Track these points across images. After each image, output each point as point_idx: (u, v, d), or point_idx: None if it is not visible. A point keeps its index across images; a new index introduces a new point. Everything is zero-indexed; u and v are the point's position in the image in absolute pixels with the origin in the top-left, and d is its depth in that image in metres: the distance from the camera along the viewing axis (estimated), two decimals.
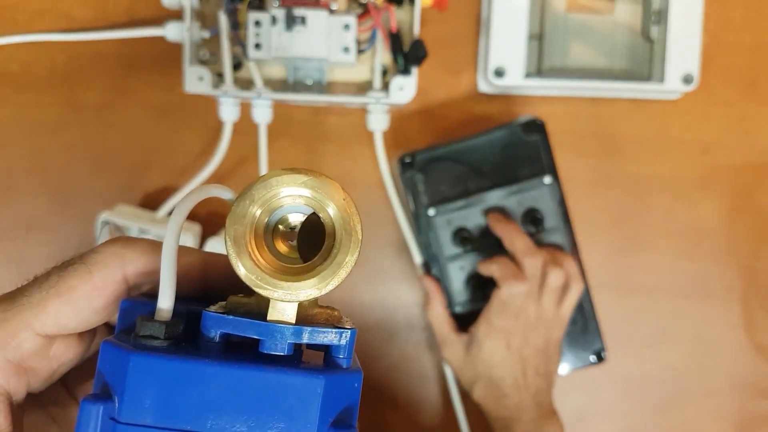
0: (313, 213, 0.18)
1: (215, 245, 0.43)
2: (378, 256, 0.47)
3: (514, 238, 0.39)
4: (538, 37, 0.44)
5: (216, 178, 0.44)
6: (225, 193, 0.19)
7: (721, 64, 0.48)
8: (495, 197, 0.42)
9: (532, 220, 0.42)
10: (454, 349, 0.41)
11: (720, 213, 0.48)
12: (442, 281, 0.43)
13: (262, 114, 0.42)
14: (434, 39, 0.44)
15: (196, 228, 0.45)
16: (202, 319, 0.18)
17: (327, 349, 0.18)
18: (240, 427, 0.16)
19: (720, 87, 0.48)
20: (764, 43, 0.48)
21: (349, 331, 0.18)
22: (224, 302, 0.18)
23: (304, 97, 0.42)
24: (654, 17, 0.45)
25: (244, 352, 0.18)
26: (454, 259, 0.42)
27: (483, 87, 0.46)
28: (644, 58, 0.45)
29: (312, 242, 0.18)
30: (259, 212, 0.17)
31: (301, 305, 0.17)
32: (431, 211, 0.42)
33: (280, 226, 0.18)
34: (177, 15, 0.41)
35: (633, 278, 0.48)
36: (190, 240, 0.43)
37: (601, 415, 0.49)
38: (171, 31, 0.41)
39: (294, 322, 0.17)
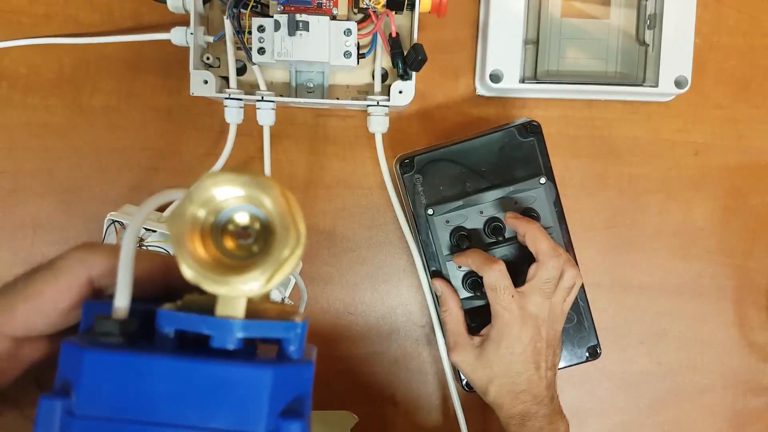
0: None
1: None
2: (378, 255, 0.48)
3: (538, 240, 0.39)
4: (534, 42, 0.45)
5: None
6: (180, 195, 0.19)
7: (714, 67, 0.48)
8: (492, 197, 0.43)
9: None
10: (467, 352, 0.41)
11: (713, 213, 0.49)
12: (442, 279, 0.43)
13: (266, 116, 0.42)
14: (433, 44, 0.45)
15: None
16: (156, 317, 0.18)
17: (279, 342, 0.18)
18: (191, 419, 0.17)
19: (713, 89, 0.49)
20: (756, 46, 0.49)
21: (299, 324, 0.18)
22: (180, 300, 0.19)
23: (307, 100, 0.43)
24: (648, 22, 0.45)
25: (198, 347, 0.18)
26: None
27: (480, 90, 0.47)
28: (638, 62, 0.46)
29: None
30: (202, 212, 0.18)
31: (250, 301, 0.18)
32: (430, 211, 0.43)
33: (230, 226, 0.19)
34: (182, 20, 0.42)
35: (627, 277, 0.49)
36: None
37: (595, 411, 0.50)
38: (176, 36, 0.42)
39: (242, 316, 0.17)
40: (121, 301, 0.18)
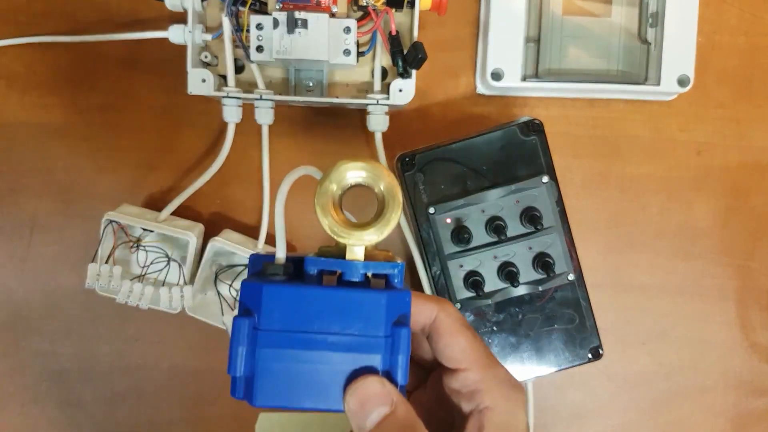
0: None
1: (217, 245, 0.44)
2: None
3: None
4: (535, 40, 0.45)
5: (220, 178, 0.45)
6: (316, 173, 0.27)
7: (716, 66, 0.48)
8: (494, 196, 0.42)
9: (530, 218, 0.42)
10: None
11: (714, 213, 0.49)
12: (443, 279, 0.43)
13: (265, 115, 0.42)
14: (433, 42, 0.45)
15: (199, 228, 0.45)
16: (305, 262, 0.25)
17: (386, 277, 0.26)
18: (336, 327, 0.24)
19: (715, 88, 0.48)
20: (759, 45, 0.48)
21: (400, 264, 0.26)
22: (318, 250, 0.26)
23: (306, 99, 0.43)
24: (650, 20, 0.45)
25: (334, 280, 0.26)
26: (454, 257, 0.43)
27: (481, 89, 0.47)
28: (640, 61, 0.46)
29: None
30: (335, 188, 0.25)
31: (366, 249, 0.25)
32: (431, 210, 0.43)
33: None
34: (180, 18, 0.41)
35: (629, 277, 0.49)
36: (193, 240, 0.43)
37: (597, 411, 0.49)
38: (174, 34, 0.41)
39: (363, 259, 0.25)
40: (281, 253, 0.26)
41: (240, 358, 0.24)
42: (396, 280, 0.26)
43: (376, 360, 0.24)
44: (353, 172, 0.25)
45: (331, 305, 0.24)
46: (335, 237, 0.25)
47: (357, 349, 0.24)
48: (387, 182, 0.25)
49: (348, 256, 0.25)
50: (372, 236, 0.25)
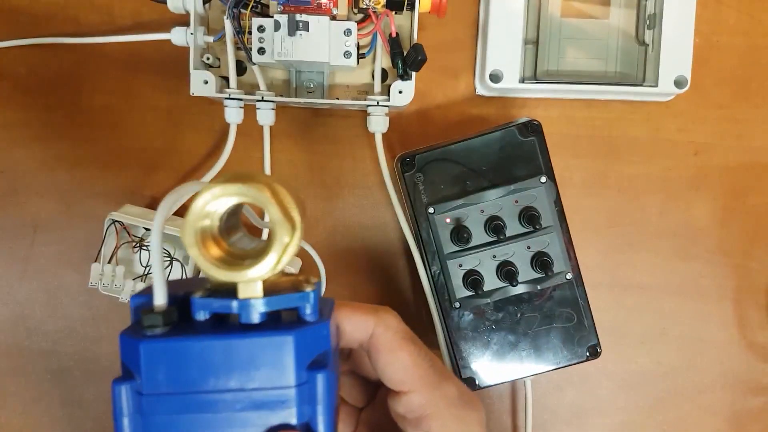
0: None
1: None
2: (378, 255, 0.48)
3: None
4: (533, 42, 0.45)
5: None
6: (193, 189, 0.22)
7: (714, 67, 0.48)
8: (493, 196, 0.43)
9: (529, 218, 0.42)
10: None
11: (713, 213, 0.49)
12: (442, 278, 0.43)
13: (266, 116, 0.42)
14: (433, 44, 0.45)
15: None
16: (191, 305, 0.21)
17: (296, 309, 0.22)
18: (234, 383, 0.20)
19: (713, 89, 0.49)
20: (757, 45, 0.49)
21: (310, 293, 0.21)
22: (209, 286, 0.22)
23: (307, 100, 0.43)
24: (648, 22, 0.46)
25: (230, 322, 0.21)
26: (453, 256, 0.43)
27: (480, 90, 0.47)
28: (638, 62, 0.46)
29: None
30: (207, 222, 0.21)
31: (266, 280, 0.21)
32: (431, 210, 0.43)
33: (240, 233, 0.22)
34: (182, 20, 0.42)
35: (627, 276, 0.49)
36: None
37: (596, 410, 0.50)
38: (176, 36, 0.42)
39: (261, 295, 0.21)
40: (159, 300, 0.21)
41: (125, 430, 0.20)
42: (308, 312, 0.21)
43: (289, 414, 0.20)
44: (221, 201, 0.20)
45: (225, 357, 0.20)
46: (226, 280, 0.20)
47: (265, 405, 0.20)
48: (271, 204, 0.20)
49: (241, 294, 0.21)
50: (264, 270, 0.20)
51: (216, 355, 0.20)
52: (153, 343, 0.20)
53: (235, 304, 0.21)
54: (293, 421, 0.20)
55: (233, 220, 0.22)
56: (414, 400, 0.23)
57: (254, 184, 0.20)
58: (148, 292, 0.22)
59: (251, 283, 0.21)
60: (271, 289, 0.21)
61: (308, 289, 0.21)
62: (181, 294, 0.22)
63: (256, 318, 0.21)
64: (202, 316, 0.21)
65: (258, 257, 0.20)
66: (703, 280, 0.49)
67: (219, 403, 0.20)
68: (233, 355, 0.20)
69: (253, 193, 0.20)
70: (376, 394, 0.27)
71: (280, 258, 0.20)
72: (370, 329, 0.24)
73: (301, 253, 0.46)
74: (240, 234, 0.23)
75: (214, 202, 0.20)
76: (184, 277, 0.44)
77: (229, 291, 0.21)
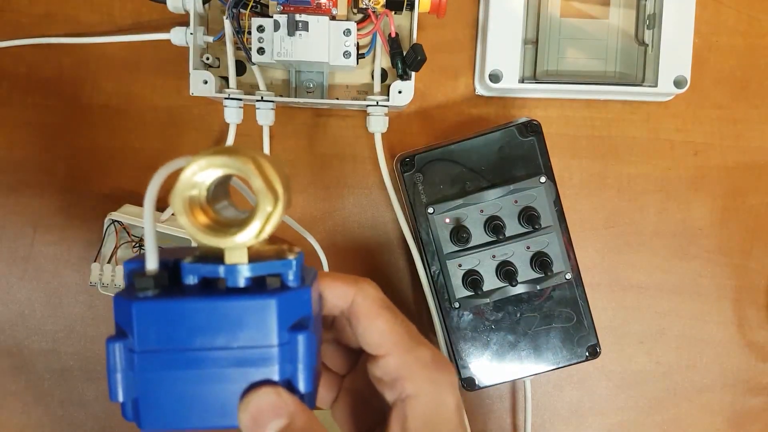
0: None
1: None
2: (378, 255, 0.48)
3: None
4: (533, 42, 0.45)
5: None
6: (182, 163, 0.23)
7: (713, 67, 0.49)
8: (492, 196, 0.43)
9: (528, 218, 0.42)
10: None
11: (712, 213, 0.49)
12: (442, 278, 0.44)
13: (266, 116, 0.43)
14: (433, 44, 0.45)
15: None
16: (181, 269, 0.23)
17: (280, 275, 0.23)
18: (220, 342, 0.22)
19: (712, 89, 0.49)
20: (756, 46, 0.49)
21: (292, 261, 0.23)
22: (198, 253, 0.23)
23: (306, 100, 0.43)
24: (647, 22, 0.46)
25: (217, 287, 0.23)
26: (453, 256, 0.43)
27: (480, 90, 0.47)
28: (637, 62, 0.46)
29: None
30: (195, 191, 0.22)
31: (251, 248, 0.22)
32: (430, 210, 0.43)
33: (225, 201, 0.23)
34: (182, 20, 0.42)
35: (626, 276, 0.49)
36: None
37: (595, 409, 0.50)
38: (176, 36, 0.42)
39: (246, 261, 0.22)
40: (151, 264, 0.22)
41: (118, 385, 0.22)
42: (290, 278, 0.23)
43: (272, 371, 0.22)
44: (208, 172, 0.22)
45: (212, 318, 0.22)
46: (212, 245, 0.22)
47: (249, 362, 0.22)
48: (255, 176, 0.21)
49: (228, 260, 0.22)
50: (249, 237, 0.21)
51: (204, 315, 0.21)
52: (145, 304, 0.22)
53: (222, 269, 0.22)
54: (275, 377, 0.22)
55: (220, 192, 0.23)
56: (390, 363, 0.25)
57: (239, 156, 0.21)
58: (140, 258, 0.23)
59: (237, 250, 0.22)
60: (256, 256, 0.22)
61: (291, 257, 0.23)
62: (171, 260, 0.23)
63: (241, 282, 0.22)
64: (191, 280, 0.23)
65: (243, 225, 0.22)
66: (702, 280, 0.49)
67: (206, 360, 0.22)
68: (220, 315, 0.22)
69: (238, 165, 0.21)
70: (357, 361, 0.29)
71: (263, 226, 0.21)
72: (350, 298, 0.25)
73: (305, 247, 0.46)
74: (226, 203, 0.24)
75: (201, 173, 0.21)
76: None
77: (217, 257, 0.22)
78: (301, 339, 0.22)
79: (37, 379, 0.48)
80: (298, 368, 0.22)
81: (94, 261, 0.44)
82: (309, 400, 0.23)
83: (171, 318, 0.22)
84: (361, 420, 0.28)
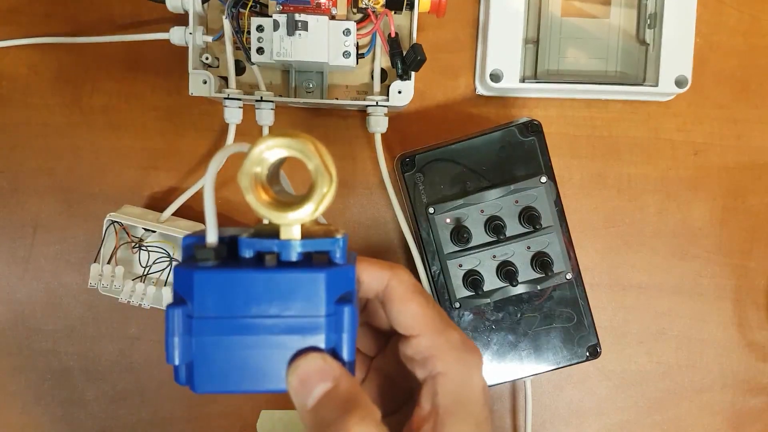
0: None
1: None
2: (378, 255, 0.48)
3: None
4: (534, 42, 0.45)
5: (220, 179, 0.45)
6: (242, 148, 0.25)
7: (714, 67, 0.48)
8: (493, 196, 0.43)
9: (529, 218, 0.42)
10: None
11: (712, 213, 0.49)
12: (442, 278, 0.44)
13: (265, 116, 0.42)
14: (433, 44, 0.45)
15: (200, 228, 0.46)
16: (239, 244, 0.24)
17: (327, 253, 0.24)
18: (273, 311, 0.23)
19: (713, 89, 0.49)
20: (757, 46, 0.49)
21: (339, 239, 0.24)
22: (252, 231, 0.25)
23: (306, 100, 0.43)
24: (648, 21, 0.45)
25: (271, 261, 0.24)
26: (453, 256, 0.43)
27: (480, 90, 0.47)
28: (638, 62, 0.46)
29: None
30: (259, 168, 0.23)
31: (303, 225, 0.24)
32: (431, 210, 0.43)
33: (280, 185, 0.25)
34: (181, 20, 0.42)
35: (626, 276, 0.49)
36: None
37: (595, 409, 0.50)
38: (175, 36, 0.42)
39: (299, 238, 0.24)
40: (212, 237, 0.24)
41: (175, 348, 0.23)
42: (337, 255, 0.24)
43: (318, 339, 0.23)
44: (274, 151, 0.23)
45: (266, 288, 0.23)
46: (262, 217, 0.24)
47: (298, 330, 0.23)
48: (314, 156, 0.23)
49: (282, 236, 0.24)
50: (304, 215, 0.23)
51: (259, 286, 0.23)
52: (205, 273, 0.23)
53: (276, 243, 0.24)
54: (321, 345, 0.23)
55: (275, 175, 0.25)
56: (422, 343, 0.27)
57: (300, 138, 0.23)
58: (199, 233, 0.25)
59: (290, 227, 0.24)
60: (306, 234, 0.24)
61: (338, 236, 0.25)
62: (228, 236, 0.25)
63: (294, 257, 0.24)
64: (247, 253, 0.24)
65: (299, 204, 0.23)
66: (702, 280, 0.49)
67: (259, 327, 0.23)
68: (273, 287, 0.23)
69: (301, 146, 0.23)
70: (386, 344, 0.30)
71: (318, 206, 0.23)
72: (385, 281, 0.27)
73: None
74: (280, 186, 0.25)
75: (268, 152, 0.23)
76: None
77: (271, 234, 0.24)
78: (346, 311, 0.23)
79: (37, 379, 0.48)
80: (343, 338, 0.24)
81: (94, 262, 0.44)
82: (350, 368, 0.24)
83: (229, 287, 0.23)
84: (388, 400, 0.30)
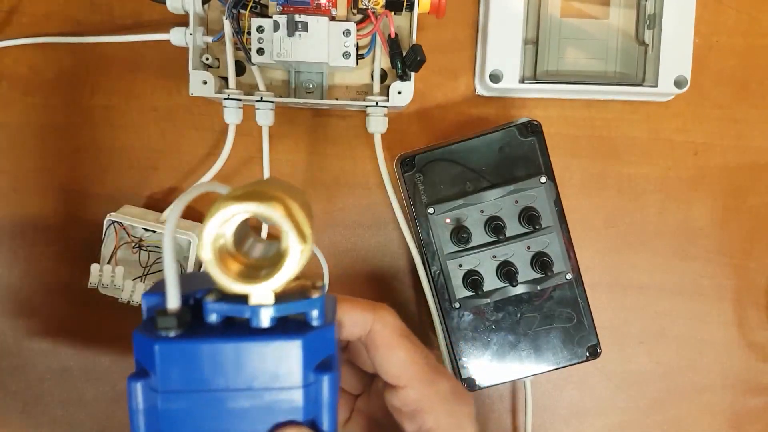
0: None
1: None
2: (378, 255, 0.48)
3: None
4: (533, 42, 0.45)
5: (220, 179, 0.45)
6: (219, 188, 0.23)
7: (713, 67, 0.48)
8: (493, 196, 0.43)
9: (529, 218, 0.42)
10: None
11: (712, 213, 0.49)
12: (442, 278, 0.44)
13: (265, 117, 0.42)
14: (432, 44, 0.45)
15: (200, 228, 0.46)
16: (203, 307, 0.22)
17: (303, 314, 0.22)
18: (244, 383, 0.21)
19: (712, 89, 0.49)
20: (756, 46, 0.49)
21: (317, 300, 0.22)
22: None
23: (306, 101, 0.43)
24: (647, 22, 0.46)
25: (240, 325, 0.22)
26: (453, 256, 0.43)
27: (480, 90, 0.47)
28: (638, 62, 0.46)
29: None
30: (222, 241, 0.21)
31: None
32: (430, 210, 0.43)
33: (250, 238, 0.23)
34: (182, 20, 0.42)
35: (627, 276, 0.49)
36: (194, 240, 0.44)
37: (595, 410, 0.50)
38: (175, 36, 0.42)
39: (272, 302, 0.21)
40: (173, 303, 0.22)
41: (140, 426, 0.22)
42: (315, 316, 0.22)
43: (296, 411, 0.21)
44: (238, 217, 0.21)
45: (236, 358, 0.21)
46: (239, 292, 0.21)
47: (274, 403, 0.21)
48: (285, 221, 0.21)
49: (253, 301, 0.21)
50: (274, 284, 0.21)
51: (228, 356, 0.21)
52: (168, 344, 0.21)
53: (247, 309, 0.21)
54: (299, 417, 0.22)
55: (243, 229, 0.23)
56: (410, 395, 0.25)
57: (268, 202, 0.20)
58: (159, 289, 0.22)
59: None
60: (280, 293, 0.22)
61: (315, 295, 0.22)
62: (190, 292, 0.23)
63: (266, 323, 0.22)
64: (214, 318, 0.22)
65: (272, 267, 0.21)
66: (702, 280, 0.49)
67: (230, 401, 0.21)
68: (244, 357, 0.21)
69: (268, 212, 0.20)
70: (371, 382, 0.29)
71: (292, 273, 0.21)
72: (368, 325, 0.25)
73: None
74: (251, 240, 0.23)
75: (232, 219, 0.21)
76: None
77: (239, 296, 0.22)
78: (326, 380, 0.22)
79: (37, 379, 0.48)
80: (323, 409, 0.22)
81: (94, 262, 0.44)
82: None
83: (195, 359, 0.21)
84: None
